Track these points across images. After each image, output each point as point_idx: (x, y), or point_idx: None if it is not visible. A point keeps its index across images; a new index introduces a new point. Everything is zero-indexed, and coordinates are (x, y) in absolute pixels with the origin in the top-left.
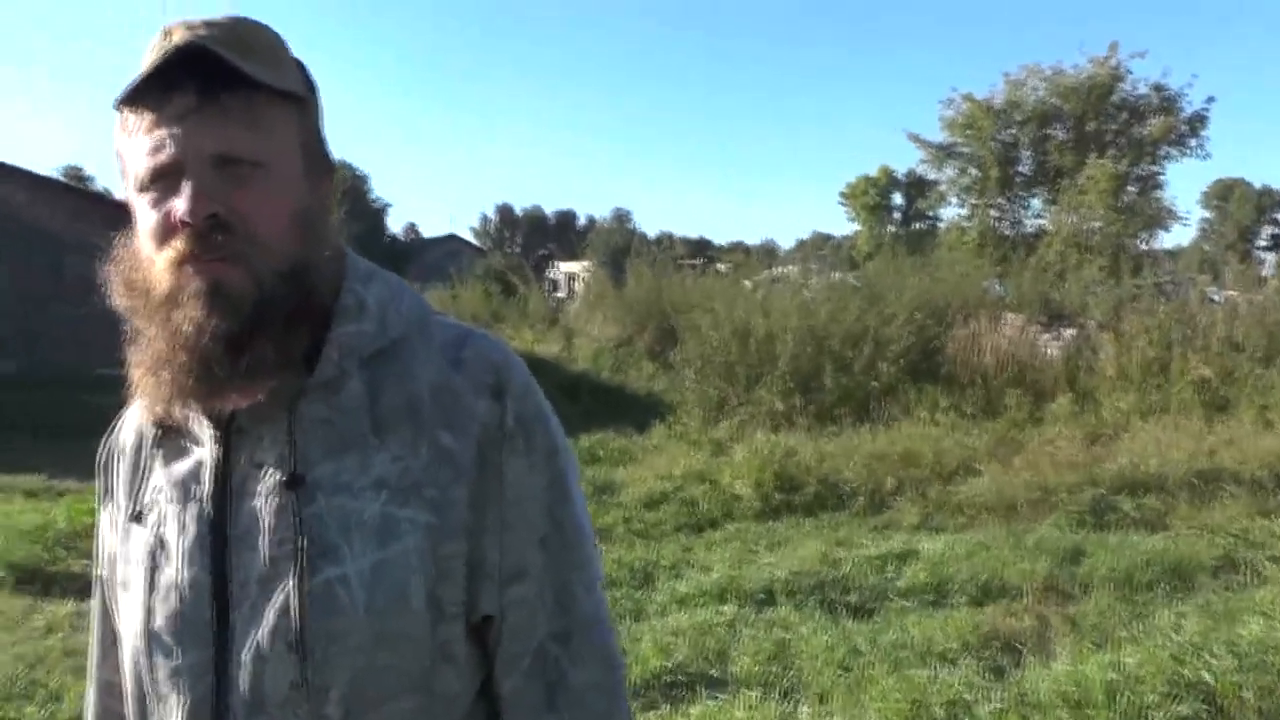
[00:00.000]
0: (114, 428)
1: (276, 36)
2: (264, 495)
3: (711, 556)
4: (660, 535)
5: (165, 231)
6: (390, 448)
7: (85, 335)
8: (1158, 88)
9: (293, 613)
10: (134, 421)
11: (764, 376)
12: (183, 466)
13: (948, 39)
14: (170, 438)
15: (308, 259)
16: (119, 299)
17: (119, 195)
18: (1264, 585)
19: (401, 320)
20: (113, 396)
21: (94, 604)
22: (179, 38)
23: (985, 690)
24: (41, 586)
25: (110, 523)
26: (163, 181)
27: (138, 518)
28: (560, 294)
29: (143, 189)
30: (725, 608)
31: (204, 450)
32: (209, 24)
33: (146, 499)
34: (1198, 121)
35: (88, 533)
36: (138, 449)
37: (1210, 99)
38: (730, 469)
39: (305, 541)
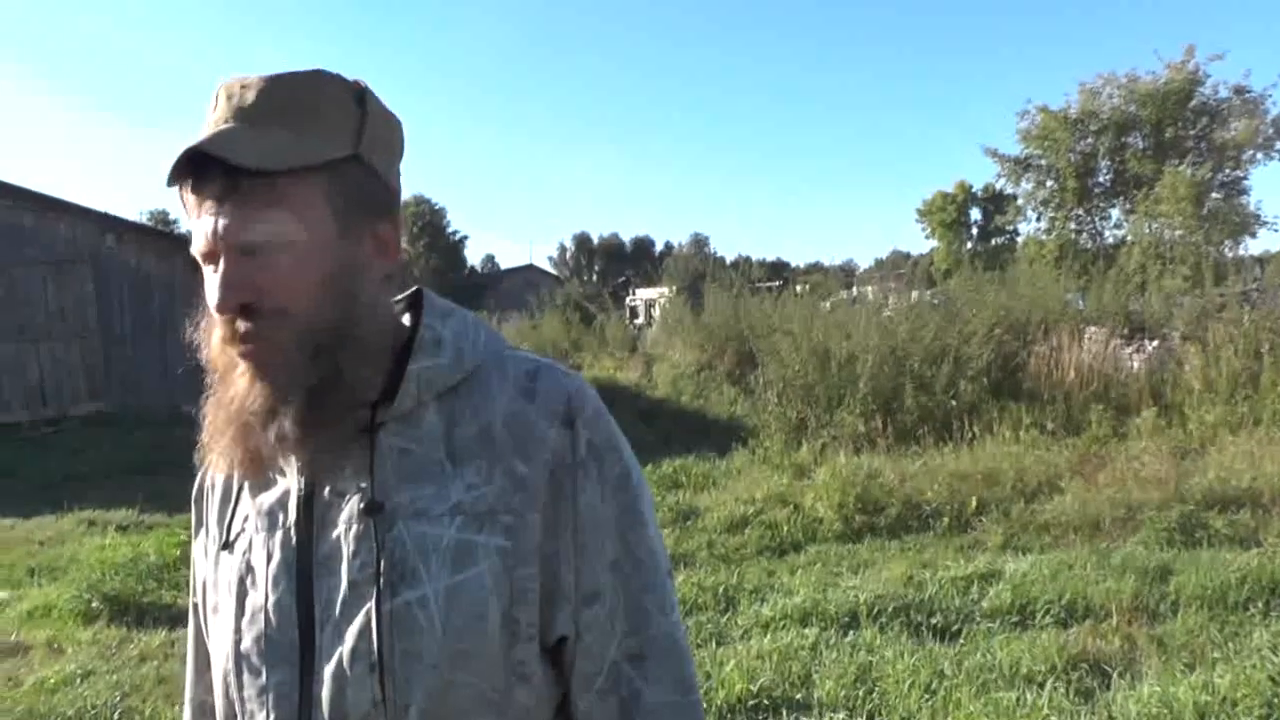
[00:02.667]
0: (207, 463)
1: (321, 86)
2: (346, 522)
3: (794, 580)
4: (742, 559)
5: (213, 311)
6: (466, 476)
7: (171, 373)
8: (1239, 90)
9: (373, 633)
10: None
11: (845, 398)
12: (269, 497)
13: (1022, 51)
14: (265, 465)
15: (344, 318)
16: (205, 358)
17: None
18: None
19: (477, 354)
20: (196, 433)
21: (189, 629)
22: (216, 114)
23: (1073, 713)
24: (135, 617)
25: (203, 551)
26: (211, 262)
27: (228, 546)
28: (639, 320)
29: (201, 266)
30: (809, 631)
31: (289, 481)
32: (245, 87)
33: (236, 528)
34: None
35: (176, 565)
36: (228, 481)
37: None
38: (812, 492)
39: (385, 565)
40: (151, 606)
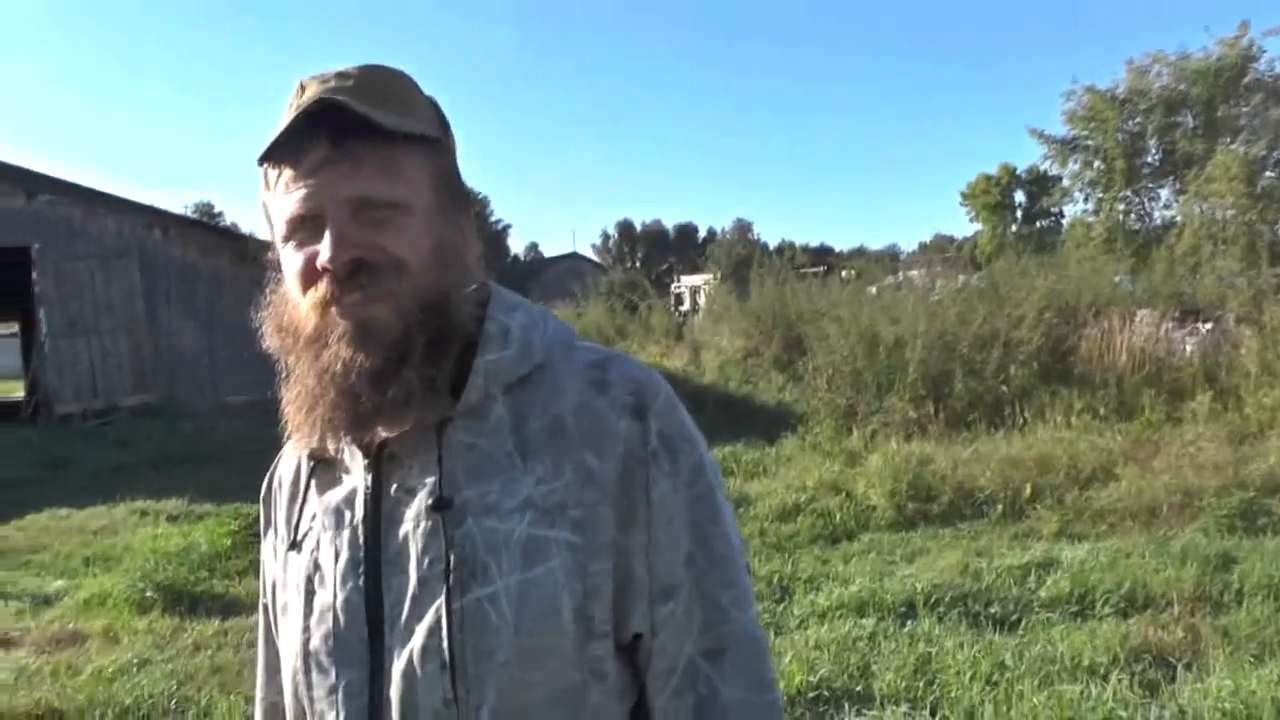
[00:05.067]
0: (275, 463)
1: (409, 81)
2: (414, 519)
3: (849, 568)
4: (795, 547)
5: (310, 276)
6: (535, 470)
7: (216, 365)
8: None
9: (443, 631)
10: (292, 455)
11: (894, 383)
12: (337, 495)
13: (1068, 30)
14: (325, 468)
15: (447, 290)
16: (272, 341)
17: (245, 229)
18: None
19: (544, 346)
20: (242, 423)
21: (259, 629)
22: (311, 92)
23: (1141, 706)
24: (188, 606)
25: (272, 552)
26: (304, 230)
27: (296, 545)
28: (684, 307)
29: (287, 238)
30: (866, 621)
31: (356, 478)
32: (341, 75)
33: (303, 527)
34: None
35: (227, 554)
36: (295, 481)
37: None
38: (864, 479)
39: (454, 561)
40: (204, 596)
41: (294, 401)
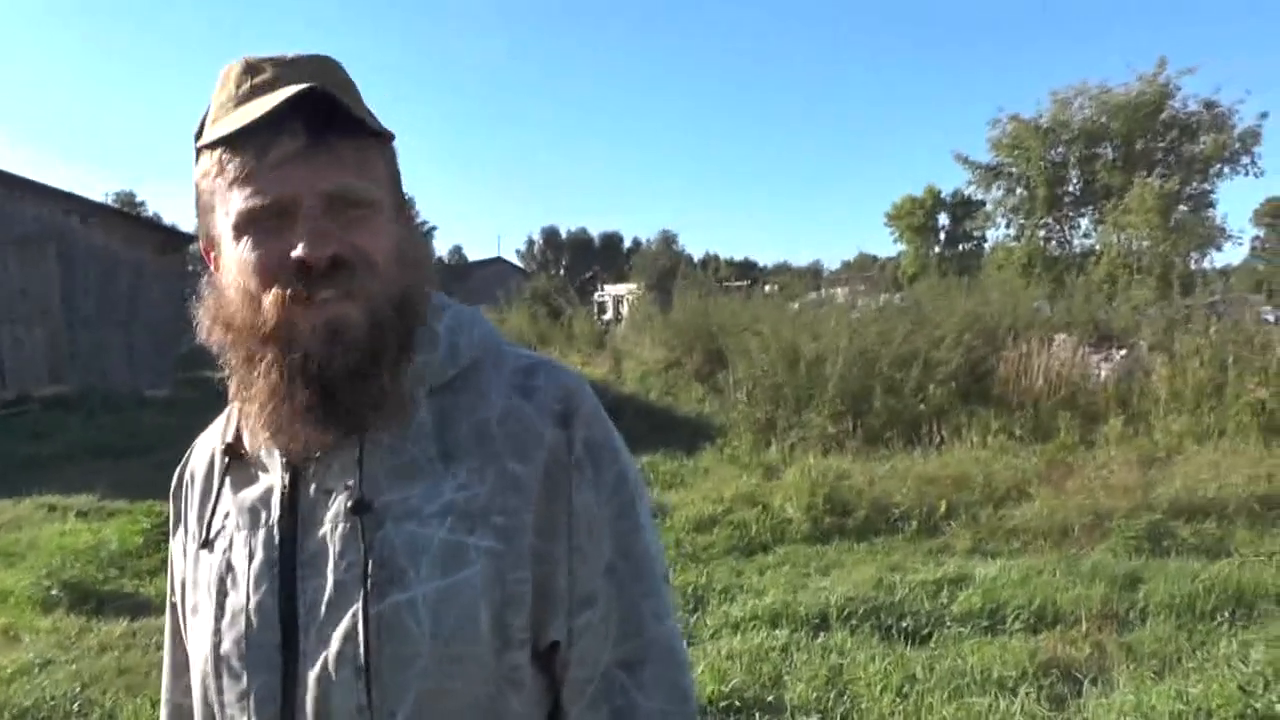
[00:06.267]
0: (186, 457)
1: (346, 74)
2: (332, 521)
3: (764, 580)
4: (710, 558)
5: (272, 270)
6: (458, 475)
7: (136, 358)
8: (1209, 104)
9: (359, 636)
10: (205, 449)
11: (813, 398)
12: (252, 493)
13: (994, 59)
14: (239, 465)
15: (413, 290)
16: (213, 335)
17: (167, 221)
18: None
19: (471, 350)
20: (161, 417)
21: (166, 629)
22: (270, 75)
23: (1047, 719)
24: (95, 606)
25: (181, 550)
26: (267, 222)
27: (208, 544)
28: (607, 316)
29: (241, 229)
30: (779, 632)
31: (273, 477)
32: (296, 62)
33: (216, 525)
34: (1250, 138)
35: (139, 552)
36: (207, 477)
37: (1264, 115)
38: (781, 492)
39: (372, 566)
40: (112, 595)
41: (254, 398)
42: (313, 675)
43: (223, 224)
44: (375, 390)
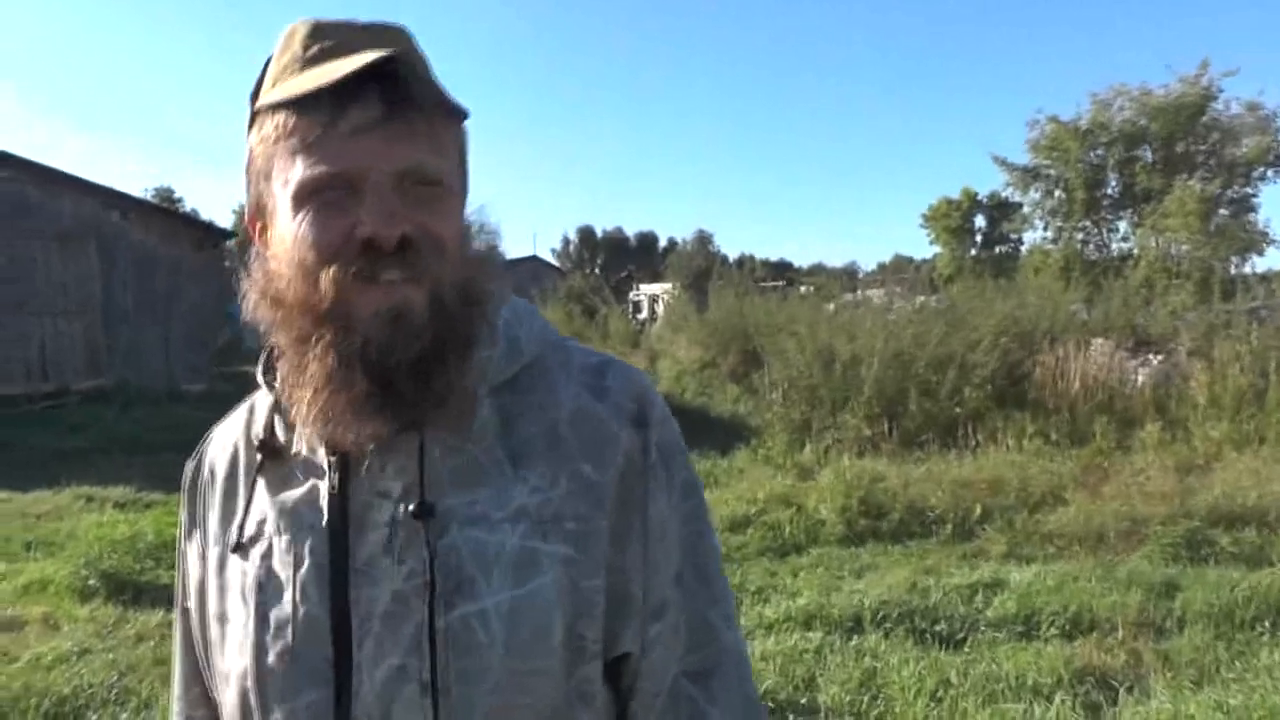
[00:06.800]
0: (199, 452)
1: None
2: (388, 526)
3: (797, 582)
4: (744, 559)
5: (334, 246)
6: (528, 478)
7: (173, 352)
8: (1252, 106)
9: (424, 650)
10: (225, 444)
11: (849, 400)
12: (293, 494)
13: (1034, 60)
14: (275, 462)
15: (479, 278)
16: (260, 313)
17: (205, 217)
18: None
19: (532, 346)
20: (197, 411)
21: (176, 636)
22: (342, 39)
23: None
24: (132, 595)
25: (199, 553)
26: (330, 194)
27: (240, 549)
28: (642, 315)
29: (301, 199)
30: (812, 634)
31: (318, 476)
32: (369, 29)
33: (250, 529)
34: None
35: (175, 544)
36: (232, 475)
37: None
38: (815, 493)
39: (438, 575)
40: (149, 585)
41: (306, 384)
42: (371, 692)
43: (280, 193)
44: (440, 384)
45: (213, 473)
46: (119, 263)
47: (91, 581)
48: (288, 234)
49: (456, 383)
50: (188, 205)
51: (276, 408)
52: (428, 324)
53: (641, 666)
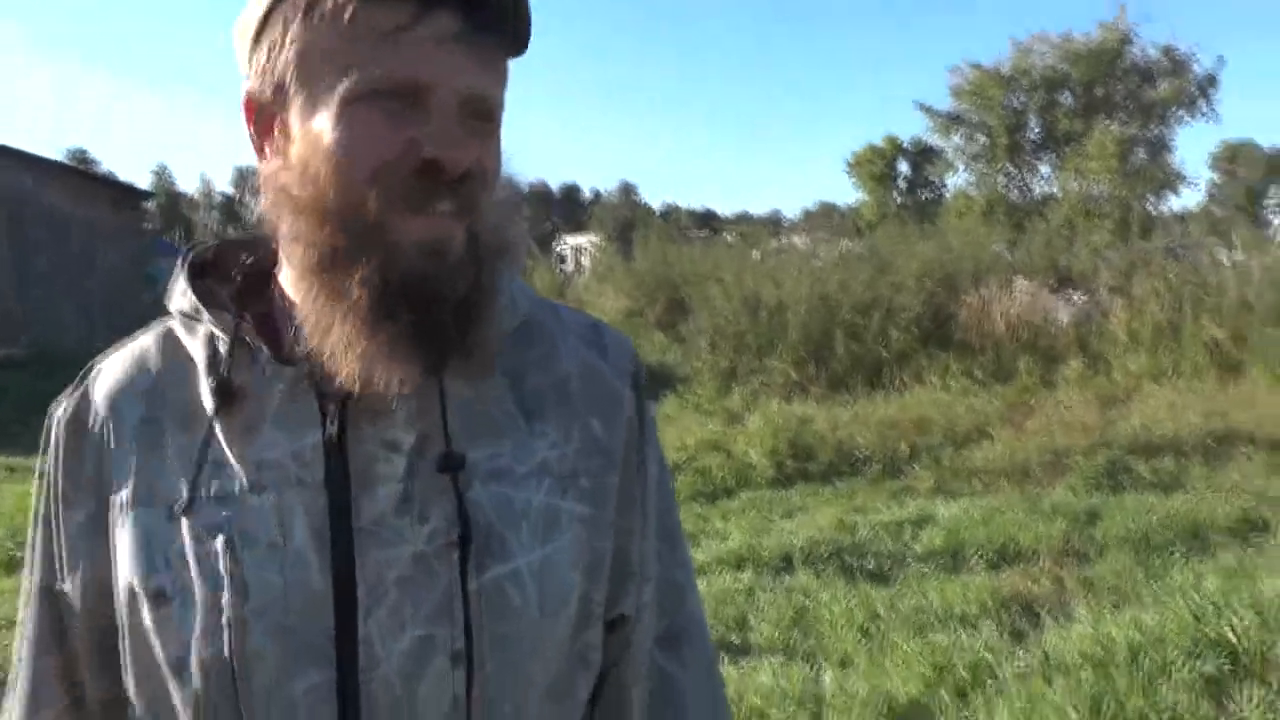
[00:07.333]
0: (79, 391)
1: None
2: (403, 480)
3: (728, 525)
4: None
5: (390, 162)
6: (546, 433)
7: (93, 316)
8: (1167, 50)
9: (456, 616)
10: (128, 383)
11: (776, 346)
12: (270, 444)
13: (958, 8)
14: (240, 405)
15: (509, 225)
16: (283, 211)
17: (124, 178)
18: None
19: (524, 300)
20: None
21: (29, 631)
22: None
23: (1008, 652)
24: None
25: (92, 517)
26: (391, 102)
27: (192, 510)
28: (567, 268)
29: (357, 98)
30: (744, 575)
31: (306, 425)
32: None
33: (212, 486)
34: (1207, 84)
35: None
36: (153, 421)
37: (1220, 60)
38: (744, 438)
39: (469, 533)
40: None
41: (343, 315)
42: (391, 668)
43: (328, 85)
44: (477, 329)
45: (113, 417)
46: (29, 226)
47: (16, 554)
48: (328, 133)
49: (489, 329)
50: (104, 167)
51: (237, 341)
52: (469, 263)
53: (636, 631)
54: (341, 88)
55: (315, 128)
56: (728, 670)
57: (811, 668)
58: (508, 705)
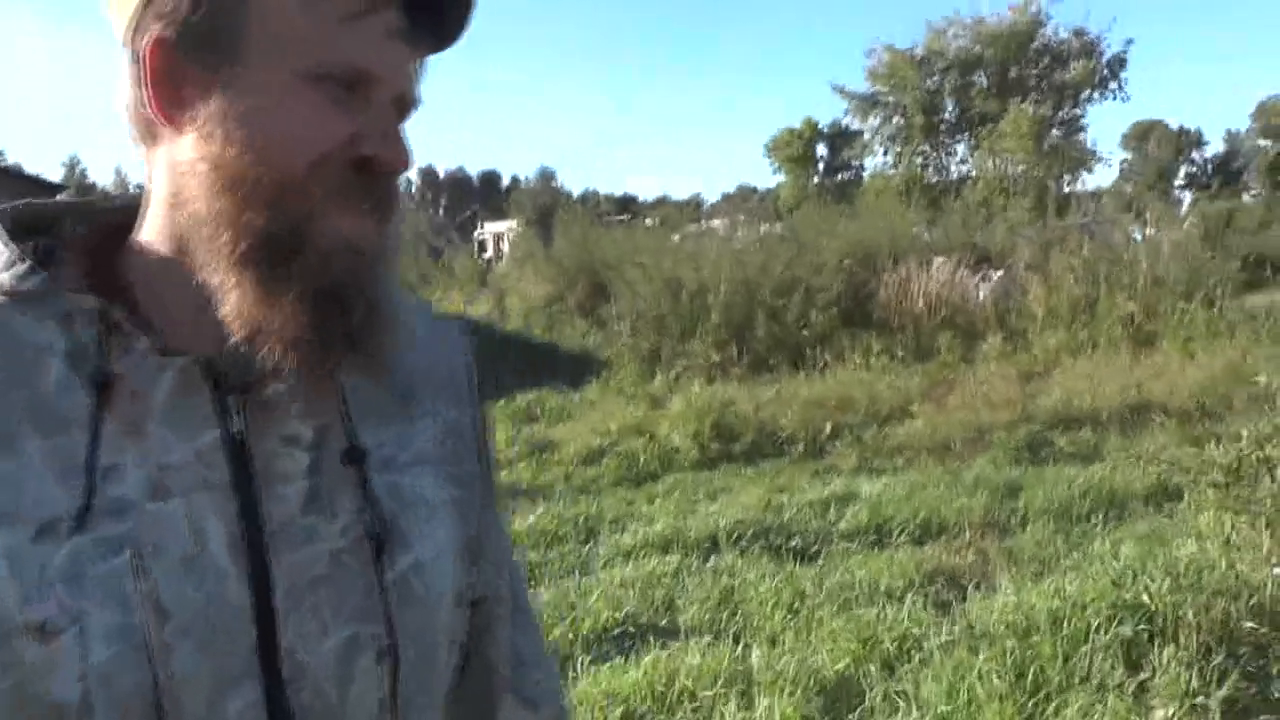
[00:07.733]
0: None
1: None
2: (307, 477)
3: (653, 509)
4: (600, 490)
5: (324, 152)
6: (418, 420)
7: None
8: (1078, 32)
9: (380, 612)
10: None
11: (697, 328)
12: (167, 442)
13: None
14: (119, 400)
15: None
16: (203, 188)
17: (30, 171)
18: (1195, 510)
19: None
20: None
21: None
22: None
23: (933, 625)
24: None
25: None
26: (334, 88)
27: (83, 526)
28: (488, 254)
29: (307, 80)
30: (670, 558)
31: (201, 423)
32: None
33: (109, 497)
34: (1117, 64)
35: None
36: (16, 422)
37: (1129, 41)
38: (667, 421)
39: (381, 525)
40: None
41: (278, 302)
42: (321, 673)
43: (278, 58)
44: (383, 326)
45: None
46: None
47: None
48: (273, 110)
49: (391, 328)
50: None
51: (111, 327)
52: (379, 259)
53: (495, 611)
54: (295, 63)
55: (258, 102)
56: (656, 653)
57: (740, 647)
58: (424, 698)
